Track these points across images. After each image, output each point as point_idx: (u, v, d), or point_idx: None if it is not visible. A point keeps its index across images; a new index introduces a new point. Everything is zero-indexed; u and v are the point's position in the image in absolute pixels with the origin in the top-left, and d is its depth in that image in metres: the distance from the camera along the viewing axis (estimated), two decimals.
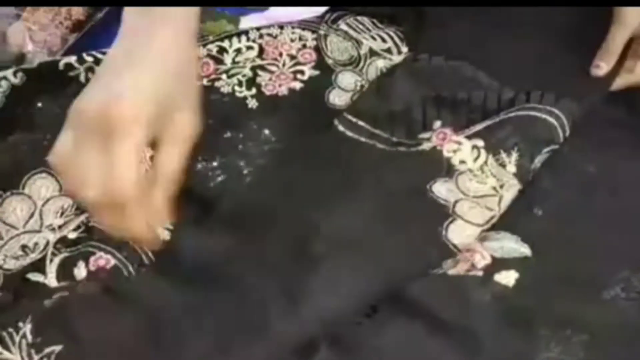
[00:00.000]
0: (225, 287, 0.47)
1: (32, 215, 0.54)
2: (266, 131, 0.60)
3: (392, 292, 0.47)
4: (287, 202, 0.53)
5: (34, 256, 0.51)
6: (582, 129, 0.58)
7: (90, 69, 0.58)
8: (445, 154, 0.55)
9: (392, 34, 0.66)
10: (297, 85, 0.63)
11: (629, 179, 0.56)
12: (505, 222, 0.53)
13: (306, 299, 0.46)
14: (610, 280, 0.50)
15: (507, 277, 0.50)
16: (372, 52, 0.65)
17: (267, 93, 0.62)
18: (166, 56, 0.40)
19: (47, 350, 0.45)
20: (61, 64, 0.57)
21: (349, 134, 0.57)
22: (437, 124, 0.57)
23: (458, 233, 0.51)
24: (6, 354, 0.45)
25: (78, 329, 0.45)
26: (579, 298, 0.49)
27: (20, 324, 0.46)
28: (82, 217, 0.54)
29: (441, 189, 0.53)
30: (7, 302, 0.49)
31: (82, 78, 0.58)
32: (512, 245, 0.52)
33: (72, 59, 0.58)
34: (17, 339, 0.45)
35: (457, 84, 0.58)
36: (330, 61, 0.64)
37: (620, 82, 0.61)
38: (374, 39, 0.66)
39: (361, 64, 0.64)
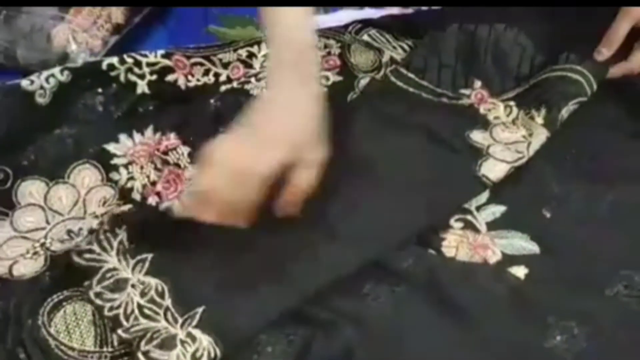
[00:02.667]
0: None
1: (76, 203, 0.58)
2: None
3: (409, 273, 0.53)
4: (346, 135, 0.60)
5: (79, 241, 0.55)
6: (589, 134, 0.62)
7: (130, 70, 0.62)
8: (482, 111, 0.63)
9: (411, 44, 0.69)
10: (322, 89, 0.67)
11: (632, 185, 0.59)
12: (515, 222, 0.57)
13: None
14: (612, 279, 0.53)
15: (517, 272, 0.54)
16: (393, 60, 0.69)
17: None
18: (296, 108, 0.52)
19: (140, 257, 0.51)
20: (104, 64, 0.61)
21: (399, 83, 0.64)
22: (478, 83, 0.65)
23: (490, 168, 0.59)
24: (105, 255, 0.51)
25: (167, 241, 0.52)
26: (584, 293, 0.52)
27: (117, 230, 0.52)
28: (124, 207, 0.58)
29: (477, 136, 0.61)
30: (53, 281, 0.53)
31: (122, 78, 0.62)
32: (522, 244, 0.56)
33: (114, 59, 0.62)
34: (114, 243, 0.51)
35: (498, 45, 0.65)
36: (353, 68, 0.68)
37: (616, 70, 0.63)
38: (394, 48, 0.69)
39: (382, 71, 0.68)
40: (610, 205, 0.58)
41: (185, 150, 0.61)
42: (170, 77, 0.63)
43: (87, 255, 0.51)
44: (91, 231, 0.52)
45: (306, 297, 0.50)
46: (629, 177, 0.59)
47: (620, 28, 0.63)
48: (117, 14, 0.70)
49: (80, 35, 0.68)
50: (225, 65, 0.65)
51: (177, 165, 0.60)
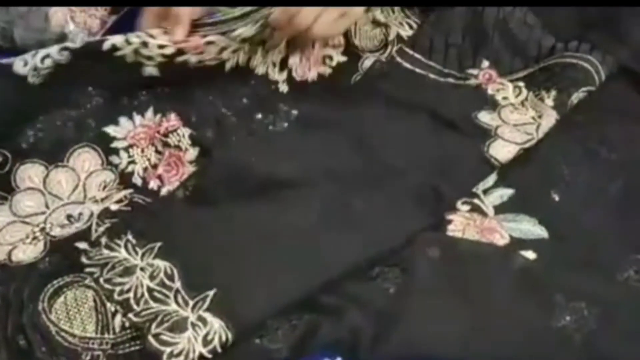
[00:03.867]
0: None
1: (76, 187, 0.57)
2: (294, 112, 0.62)
3: (418, 254, 0.52)
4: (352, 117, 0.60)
5: (79, 225, 0.54)
6: (599, 117, 0.61)
7: (136, 51, 0.59)
8: (490, 92, 0.62)
9: (418, 22, 0.68)
10: (326, 70, 0.65)
11: None
12: (523, 206, 0.56)
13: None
14: (623, 263, 0.53)
15: (526, 256, 0.53)
16: (400, 38, 0.67)
17: (297, 78, 0.64)
18: None
19: (150, 245, 0.51)
20: (106, 44, 0.58)
21: (405, 64, 0.63)
22: (486, 63, 0.63)
23: (498, 149, 0.58)
24: (114, 254, 0.51)
25: (172, 229, 0.53)
26: (594, 278, 0.51)
27: (122, 235, 0.52)
28: (124, 192, 0.57)
29: (485, 117, 0.60)
30: (53, 266, 0.52)
31: (130, 59, 0.59)
32: (530, 228, 0.55)
33: (118, 39, 0.58)
34: (122, 243, 0.51)
35: (506, 25, 0.64)
36: (357, 47, 0.66)
37: None
38: (402, 25, 0.68)
39: (388, 50, 0.66)
40: (620, 189, 0.57)
41: (186, 132, 0.60)
42: (181, 58, 0.59)
43: (97, 257, 0.51)
44: (95, 243, 0.52)
45: (318, 285, 0.49)
46: (639, 161, 0.58)
47: None
48: None
49: (78, 15, 0.66)
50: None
51: (178, 147, 0.59)
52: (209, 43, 0.60)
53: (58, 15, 0.66)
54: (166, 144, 0.59)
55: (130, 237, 0.51)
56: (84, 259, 0.51)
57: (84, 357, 0.47)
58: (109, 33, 0.66)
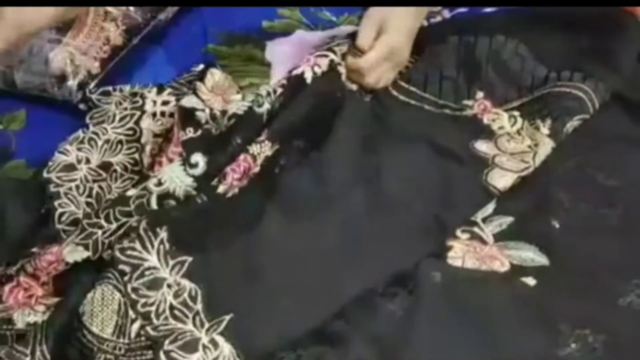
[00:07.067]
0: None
1: None
2: None
3: (421, 279, 0.52)
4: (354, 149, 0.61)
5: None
6: (594, 144, 0.62)
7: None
8: (486, 121, 0.63)
9: (412, 59, 0.68)
10: None
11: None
12: (523, 233, 0.57)
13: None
14: (625, 288, 0.53)
15: (527, 282, 0.53)
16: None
17: None
18: None
19: (180, 258, 0.51)
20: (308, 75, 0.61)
21: (401, 97, 0.65)
22: (480, 94, 0.65)
23: (496, 178, 0.59)
24: (145, 254, 0.51)
25: (206, 244, 0.52)
26: (596, 303, 0.51)
27: (158, 230, 0.51)
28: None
29: (482, 146, 0.61)
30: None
31: None
32: (530, 255, 0.55)
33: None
34: (155, 243, 0.51)
35: (499, 56, 0.66)
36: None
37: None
38: None
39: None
40: (620, 214, 0.58)
41: (268, 147, 0.58)
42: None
43: (129, 252, 0.51)
44: (132, 228, 0.52)
45: (329, 315, 0.50)
46: (638, 185, 0.59)
47: (366, 33, 0.64)
48: (115, 35, 0.69)
49: (78, 58, 0.67)
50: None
51: (254, 156, 0.57)
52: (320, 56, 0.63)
53: (58, 58, 0.67)
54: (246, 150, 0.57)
55: (164, 235, 0.51)
56: (118, 254, 0.51)
57: (97, 358, 0.48)
58: (108, 75, 0.68)
